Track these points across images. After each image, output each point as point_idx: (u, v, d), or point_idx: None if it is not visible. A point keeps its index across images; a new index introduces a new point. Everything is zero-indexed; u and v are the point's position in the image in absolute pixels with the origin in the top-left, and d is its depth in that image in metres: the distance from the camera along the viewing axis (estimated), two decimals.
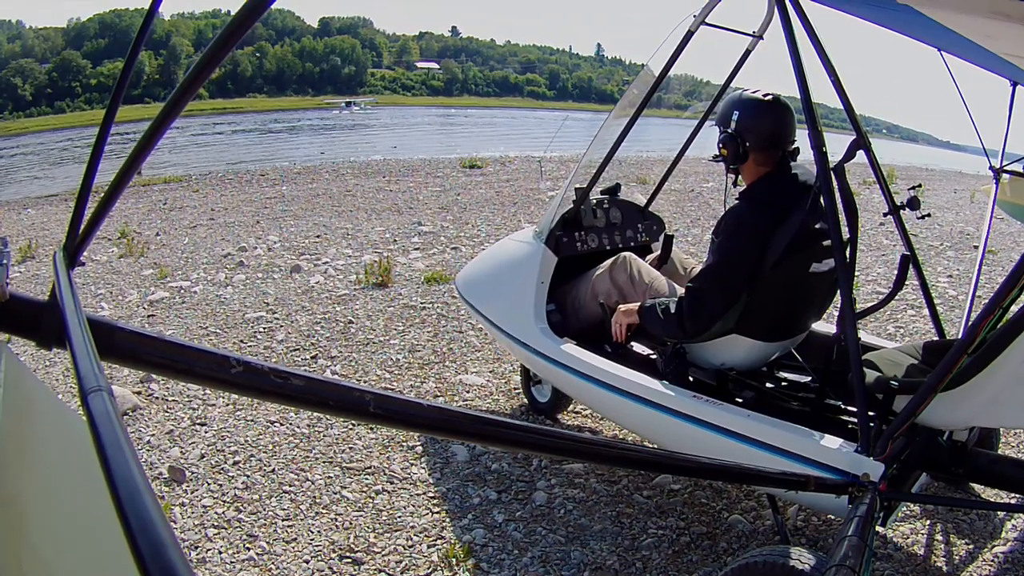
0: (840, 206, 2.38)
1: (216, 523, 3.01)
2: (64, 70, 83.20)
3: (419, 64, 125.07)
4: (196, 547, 2.85)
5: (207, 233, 9.02)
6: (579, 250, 3.57)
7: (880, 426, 2.27)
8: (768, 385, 3.01)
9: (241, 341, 5.14)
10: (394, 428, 3.40)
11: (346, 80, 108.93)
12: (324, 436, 3.72)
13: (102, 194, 1.08)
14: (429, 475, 3.38)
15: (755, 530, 2.98)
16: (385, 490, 3.26)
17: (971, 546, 2.89)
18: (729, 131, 2.71)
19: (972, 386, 2.14)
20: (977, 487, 3.15)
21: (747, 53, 3.51)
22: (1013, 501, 2.85)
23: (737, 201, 2.75)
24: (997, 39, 2.63)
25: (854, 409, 2.51)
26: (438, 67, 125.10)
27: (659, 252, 3.57)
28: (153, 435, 3.73)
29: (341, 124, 51.06)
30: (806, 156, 2.61)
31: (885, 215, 3.09)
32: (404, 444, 3.62)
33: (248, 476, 3.36)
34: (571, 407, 3.98)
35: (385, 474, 3.38)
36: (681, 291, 2.98)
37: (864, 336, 3.08)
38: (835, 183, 2.36)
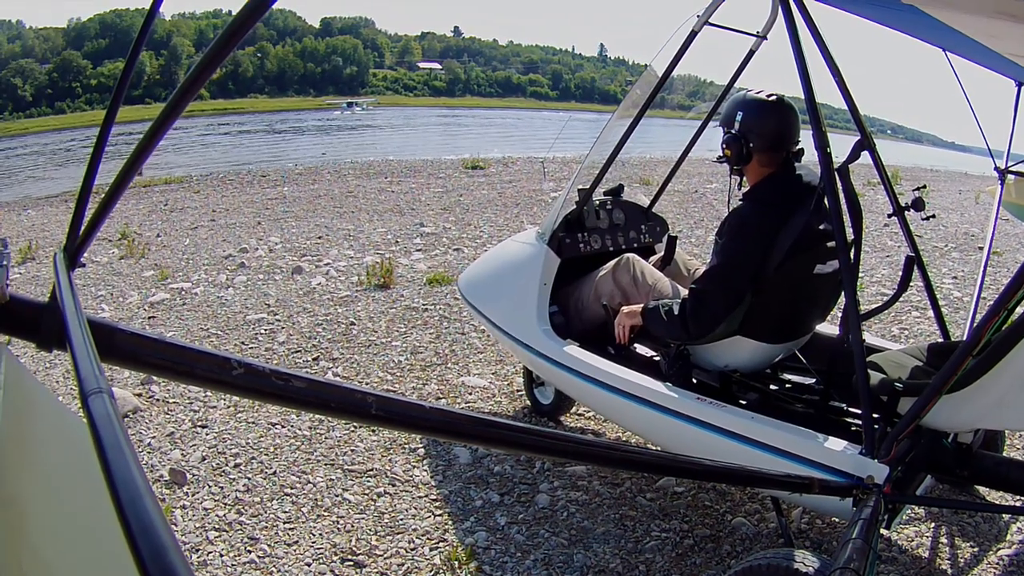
0: (844, 207, 2.37)
1: (217, 526, 3.00)
2: (64, 70, 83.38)
3: (421, 64, 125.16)
4: (197, 550, 2.84)
5: (208, 234, 9.03)
6: (582, 251, 3.56)
7: (885, 428, 2.26)
8: (772, 387, 3.00)
9: (242, 343, 5.14)
10: (396, 430, 3.39)
11: (348, 80, 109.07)
12: (326, 438, 3.71)
13: (103, 195, 1.07)
14: (431, 477, 3.37)
15: (759, 533, 2.97)
16: (387, 492, 3.25)
17: (976, 549, 2.88)
18: (733, 132, 2.70)
19: (977, 388, 2.13)
20: (982, 490, 3.13)
21: (751, 53, 3.50)
22: (1018, 504, 2.84)
23: (741, 202, 2.74)
24: (1002, 39, 2.62)
25: (858, 411, 2.50)
26: (440, 67, 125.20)
27: (662, 253, 3.56)
28: (154, 437, 3.73)
29: (343, 125, 51.15)
30: (810, 157, 2.60)
31: (889, 216, 3.08)
32: (406, 446, 3.61)
33: (249, 478, 3.35)
34: (574, 409, 3.96)
35: (387, 476, 3.37)
36: (684, 293, 2.97)
37: (868, 338, 3.06)
38: (839, 184, 2.36)
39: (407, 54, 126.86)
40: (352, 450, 3.59)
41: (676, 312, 2.76)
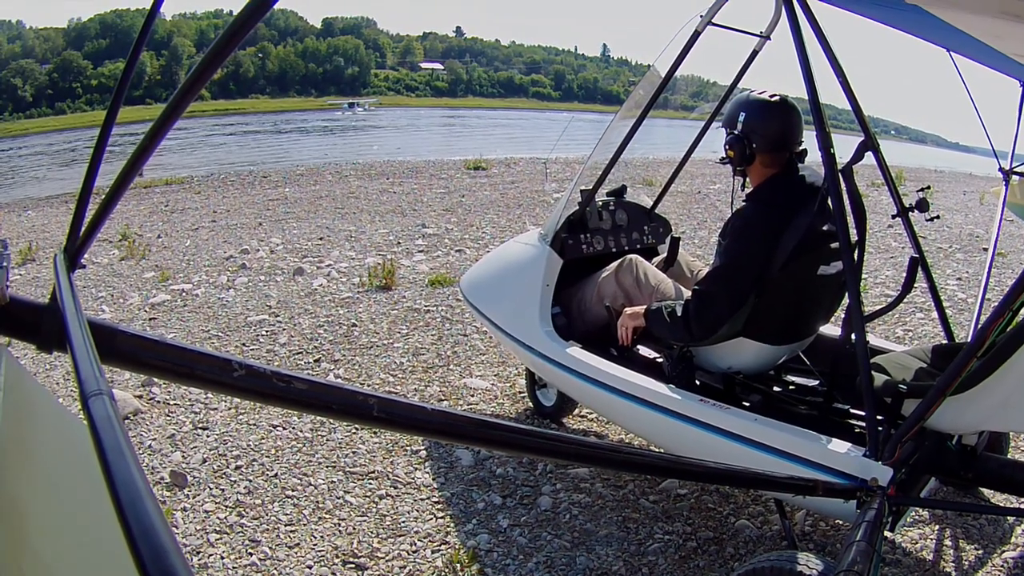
0: (848, 208, 2.36)
1: (218, 528, 2.99)
2: (65, 71, 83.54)
3: (423, 65, 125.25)
4: (198, 552, 2.84)
5: (209, 235, 9.03)
6: (585, 252, 3.55)
7: (889, 430, 2.25)
8: (775, 389, 2.99)
9: (243, 344, 5.13)
10: (398, 432, 3.38)
11: (349, 81, 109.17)
12: (327, 440, 3.70)
13: (103, 196, 1.07)
14: (433, 480, 3.36)
15: (762, 535, 2.96)
16: (389, 495, 3.24)
17: (980, 551, 2.86)
18: (736, 132, 2.69)
19: (982, 390, 2.12)
20: (987, 492, 3.12)
21: (754, 54, 3.49)
22: (1023, 506, 2.82)
23: (744, 203, 2.73)
24: (1007, 39, 2.61)
25: (862, 413, 2.49)
26: (442, 68, 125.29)
27: (665, 254, 3.55)
28: (155, 439, 3.72)
29: (345, 125, 51.22)
30: (814, 158, 2.59)
31: (894, 217, 3.06)
32: (408, 448, 3.61)
33: (250, 481, 3.35)
34: (576, 411, 3.96)
35: (389, 479, 3.36)
36: (688, 294, 2.96)
37: (872, 339, 3.05)
38: (843, 185, 2.35)
39: (409, 54, 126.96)
40: (354, 452, 3.58)
41: (679, 313, 2.75)
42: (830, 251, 2.66)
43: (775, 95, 2.69)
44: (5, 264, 0.91)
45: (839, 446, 2.31)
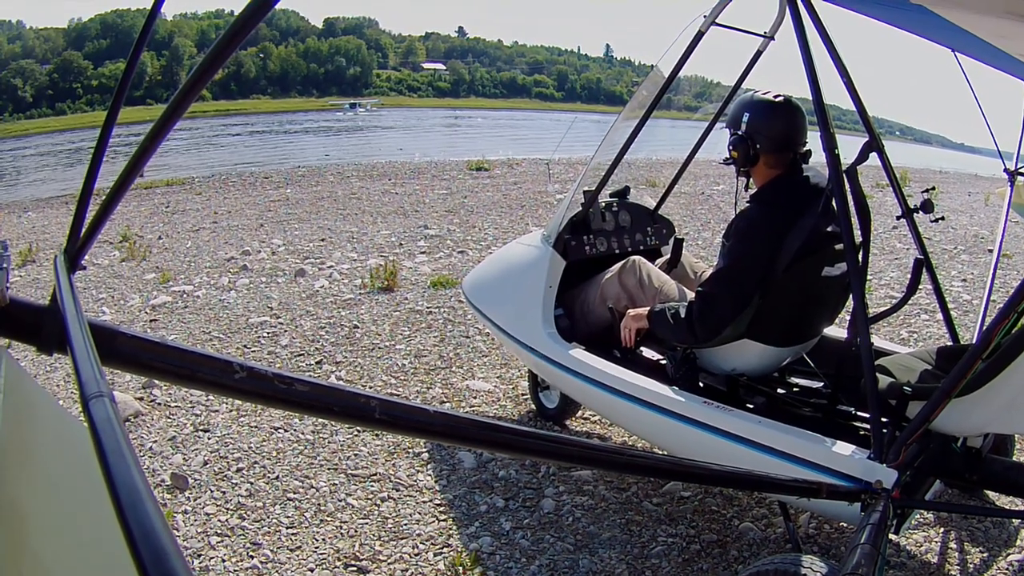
0: (852, 209, 2.35)
1: (219, 531, 2.98)
2: (65, 71, 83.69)
3: (425, 65, 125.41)
4: (199, 555, 2.83)
5: (210, 237, 9.04)
6: (588, 254, 3.54)
7: (893, 432, 2.24)
8: (780, 391, 2.98)
9: (245, 346, 5.13)
10: (400, 434, 3.38)
11: (351, 81, 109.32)
12: (329, 442, 3.69)
13: (104, 197, 1.06)
14: (435, 482, 3.35)
15: (766, 538, 2.95)
16: (391, 497, 3.23)
17: (985, 554, 2.85)
18: (740, 133, 2.69)
19: (987, 392, 2.11)
20: (992, 494, 3.11)
21: (758, 54, 3.48)
22: None
23: (748, 204, 2.72)
24: (1012, 40, 2.60)
25: (867, 415, 2.48)
26: (444, 68, 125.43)
27: (669, 256, 3.53)
28: (155, 441, 3.72)
29: (346, 126, 51.29)
30: (818, 159, 2.58)
31: (898, 218, 3.06)
32: (410, 451, 3.60)
33: (252, 483, 3.34)
34: (579, 413, 3.94)
35: (391, 481, 3.35)
36: (691, 295, 2.95)
37: (877, 341, 3.05)
38: (847, 186, 2.34)
39: (411, 55, 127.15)
40: (355, 454, 3.58)
41: (683, 315, 2.74)
42: (834, 252, 2.65)
43: (779, 96, 2.68)
44: (5, 265, 0.90)
45: (843, 448, 2.30)
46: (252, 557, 2.81)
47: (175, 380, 0.98)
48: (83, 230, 1.07)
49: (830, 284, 2.71)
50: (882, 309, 2.77)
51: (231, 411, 4.03)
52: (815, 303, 2.79)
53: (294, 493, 3.25)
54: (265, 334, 5.34)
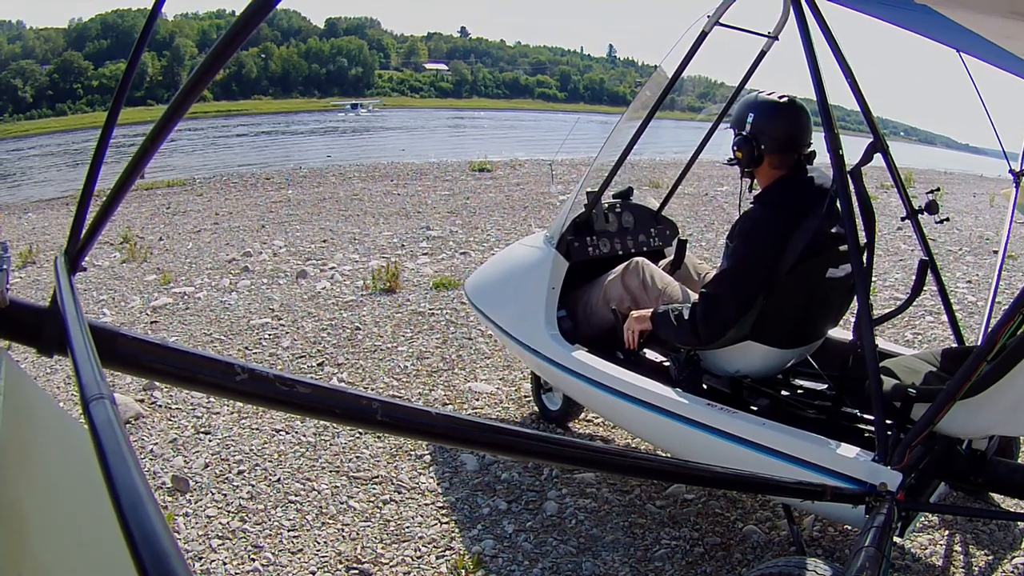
0: (857, 210, 2.34)
1: (220, 533, 2.98)
2: (65, 71, 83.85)
3: (427, 65, 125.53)
4: (200, 558, 2.82)
5: (211, 238, 9.04)
6: (591, 255, 3.53)
7: (898, 435, 2.23)
8: (783, 393, 2.97)
9: (246, 348, 5.12)
10: (402, 437, 3.37)
11: (353, 82, 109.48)
12: (331, 445, 3.69)
13: (104, 198, 1.06)
14: (438, 485, 3.34)
15: (770, 541, 2.93)
16: (393, 500, 3.22)
17: (990, 557, 2.84)
18: (744, 134, 2.68)
19: (992, 394, 2.10)
20: (997, 497, 3.09)
21: (762, 54, 3.47)
22: None
23: (752, 205, 2.71)
24: (1017, 40, 2.59)
25: (871, 417, 2.47)
26: (447, 68, 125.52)
27: (672, 257, 3.53)
28: (156, 444, 3.71)
29: (348, 127, 51.38)
30: (822, 159, 2.57)
31: (903, 219, 3.05)
32: (412, 453, 3.59)
33: (253, 486, 3.33)
34: (582, 415, 3.94)
35: (393, 484, 3.35)
36: (695, 297, 2.94)
37: (881, 343, 3.03)
38: (852, 187, 2.33)
39: (413, 55, 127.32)
40: (357, 457, 3.57)
41: (686, 316, 2.73)
42: (839, 254, 2.64)
43: (783, 96, 2.67)
44: (5, 267, 0.90)
45: (848, 451, 2.29)
46: (253, 560, 2.80)
47: (176, 382, 0.98)
48: (83, 231, 1.07)
49: (834, 285, 2.70)
50: (887, 311, 2.77)
51: (232, 413, 4.02)
52: (819, 305, 2.78)
53: (296, 496, 3.25)
54: (266, 336, 5.33)
